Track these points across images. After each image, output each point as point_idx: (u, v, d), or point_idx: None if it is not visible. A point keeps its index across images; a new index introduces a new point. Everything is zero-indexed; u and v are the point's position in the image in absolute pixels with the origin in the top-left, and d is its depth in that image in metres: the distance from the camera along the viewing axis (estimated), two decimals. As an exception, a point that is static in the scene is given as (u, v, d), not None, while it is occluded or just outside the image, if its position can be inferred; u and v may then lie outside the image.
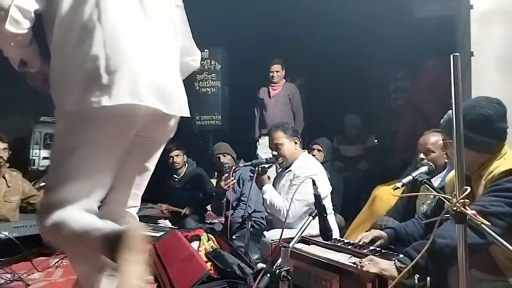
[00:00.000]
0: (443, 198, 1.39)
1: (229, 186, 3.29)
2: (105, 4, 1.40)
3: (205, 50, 6.42)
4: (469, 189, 1.19)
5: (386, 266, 1.48)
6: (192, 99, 6.63)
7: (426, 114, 3.75)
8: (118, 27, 1.41)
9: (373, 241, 1.92)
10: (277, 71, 5.02)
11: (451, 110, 1.19)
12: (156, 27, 1.52)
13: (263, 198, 2.87)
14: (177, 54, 1.63)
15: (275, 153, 2.93)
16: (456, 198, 1.19)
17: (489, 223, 1.26)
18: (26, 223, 3.09)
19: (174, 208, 4.19)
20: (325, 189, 2.73)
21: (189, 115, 1.60)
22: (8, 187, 3.38)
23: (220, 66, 6.44)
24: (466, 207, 1.19)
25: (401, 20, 4.73)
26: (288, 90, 5.05)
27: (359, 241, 1.92)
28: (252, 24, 5.76)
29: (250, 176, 3.03)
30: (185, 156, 4.36)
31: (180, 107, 1.56)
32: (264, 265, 2.19)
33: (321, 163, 3.22)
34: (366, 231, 2.04)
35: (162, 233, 3.37)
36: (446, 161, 2.27)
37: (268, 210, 2.95)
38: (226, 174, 3.35)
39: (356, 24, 5.20)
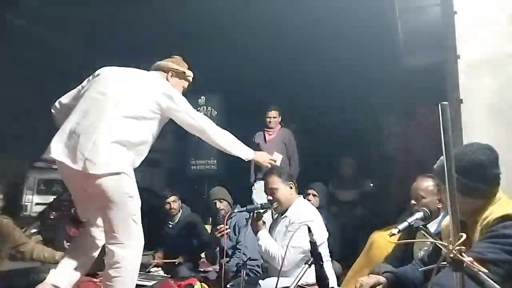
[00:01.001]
0: (439, 245, 1.38)
1: (222, 235, 3.20)
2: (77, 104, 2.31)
3: (202, 97, 6.58)
4: (464, 236, 1.18)
5: None
6: (187, 144, 6.74)
7: (419, 158, 3.79)
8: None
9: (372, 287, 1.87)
10: (274, 117, 5.10)
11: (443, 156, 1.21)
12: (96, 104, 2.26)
13: (258, 244, 2.81)
14: (105, 121, 2.17)
15: (270, 197, 2.90)
16: (452, 245, 1.18)
17: (486, 271, 1.25)
18: (14, 272, 2.99)
19: (166, 261, 4.09)
20: (321, 236, 2.69)
21: (96, 173, 2.05)
22: None
23: (216, 112, 6.55)
24: (463, 254, 1.17)
25: (393, 68, 4.91)
26: (283, 135, 5.10)
27: None
28: (247, 71, 5.91)
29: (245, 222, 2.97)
30: (180, 201, 4.31)
31: (86, 165, 2.04)
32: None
33: (317, 208, 3.19)
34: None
35: (154, 282, 3.27)
36: (439, 206, 2.27)
37: (263, 257, 2.89)
38: (222, 225, 3.24)
39: (349, 71, 5.37)
